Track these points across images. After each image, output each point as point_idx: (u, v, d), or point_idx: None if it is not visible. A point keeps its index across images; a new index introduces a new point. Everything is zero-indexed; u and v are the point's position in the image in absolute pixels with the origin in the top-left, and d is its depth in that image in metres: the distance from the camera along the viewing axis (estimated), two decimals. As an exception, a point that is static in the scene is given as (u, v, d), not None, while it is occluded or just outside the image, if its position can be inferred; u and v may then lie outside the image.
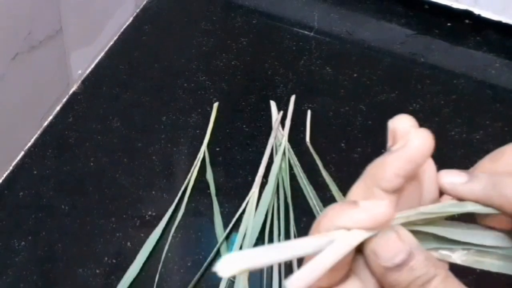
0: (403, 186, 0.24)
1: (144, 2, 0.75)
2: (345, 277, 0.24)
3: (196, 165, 0.58)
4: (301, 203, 0.55)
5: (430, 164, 0.25)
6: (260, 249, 0.23)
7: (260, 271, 0.51)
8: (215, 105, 0.63)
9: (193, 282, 0.50)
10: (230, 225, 0.53)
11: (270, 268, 0.51)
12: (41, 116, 0.60)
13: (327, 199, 0.55)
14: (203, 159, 0.59)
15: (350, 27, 0.74)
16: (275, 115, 0.62)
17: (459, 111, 0.65)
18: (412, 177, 0.24)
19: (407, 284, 0.22)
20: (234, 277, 0.50)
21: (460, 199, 0.25)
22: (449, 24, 0.75)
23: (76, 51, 0.63)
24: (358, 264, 0.24)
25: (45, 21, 0.56)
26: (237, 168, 0.58)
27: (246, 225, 0.53)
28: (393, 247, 0.22)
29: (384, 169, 0.23)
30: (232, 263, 0.23)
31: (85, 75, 0.66)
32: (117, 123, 0.62)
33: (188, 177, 0.57)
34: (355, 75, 0.68)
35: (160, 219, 0.54)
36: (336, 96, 0.65)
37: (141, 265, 0.51)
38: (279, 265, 0.51)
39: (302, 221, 0.54)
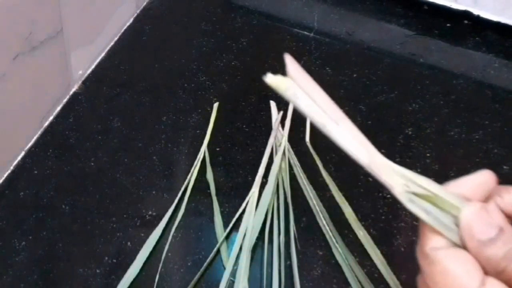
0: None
1: (145, 3, 0.76)
2: None
3: (196, 165, 0.58)
4: (301, 203, 0.55)
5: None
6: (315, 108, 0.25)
7: (260, 271, 0.51)
8: (215, 105, 0.64)
9: (193, 282, 0.50)
10: (230, 225, 0.54)
11: (270, 269, 0.51)
12: (41, 116, 0.61)
13: (327, 199, 0.55)
14: (203, 159, 0.59)
15: (350, 28, 0.74)
16: (275, 115, 0.62)
17: (458, 111, 0.65)
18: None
19: (501, 256, 0.25)
20: (234, 277, 0.50)
21: None
22: (448, 24, 0.75)
23: (77, 51, 0.63)
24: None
25: (46, 21, 0.56)
26: (237, 168, 0.59)
27: (246, 225, 0.53)
28: (487, 222, 0.26)
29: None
30: (286, 85, 0.25)
31: (85, 75, 0.66)
32: (117, 123, 0.62)
33: (188, 177, 0.57)
34: (354, 75, 0.68)
35: (160, 219, 0.54)
36: (335, 96, 0.65)
37: (141, 265, 0.51)
38: (279, 265, 0.51)
39: (302, 221, 0.54)
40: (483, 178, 0.28)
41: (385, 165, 0.27)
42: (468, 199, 0.27)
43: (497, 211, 0.26)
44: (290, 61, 0.25)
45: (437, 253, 0.26)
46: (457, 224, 0.26)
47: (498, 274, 0.25)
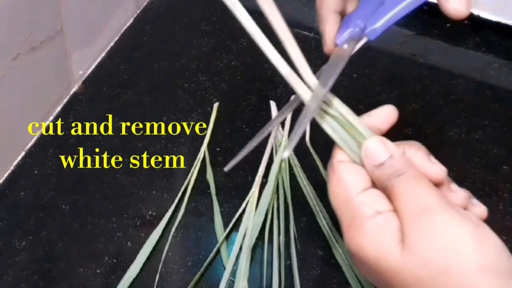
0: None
1: (145, 3, 0.76)
2: None
3: (196, 165, 0.58)
4: (301, 203, 0.56)
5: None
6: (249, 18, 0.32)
7: (260, 271, 0.51)
8: (215, 105, 0.64)
9: (193, 282, 0.50)
10: (230, 225, 0.54)
11: (270, 269, 0.51)
12: (42, 116, 0.61)
13: (327, 199, 0.55)
14: (203, 159, 0.59)
15: (350, 28, 0.74)
16: (275, 115, 0.62)
17: (458, 111, 0.65)
18: None
19: (387, 177, 0.32)
20: (234, 277, 0.50)
21: None
22: (448, 24, 0.75)
23: (77, 51, 0.63)
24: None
25: (46, 22, 0.56)
26: (237, 168, 0.58)
27: (246, 225, 0.53)
28: (382, 151, 0.33)
29: None
30: None
31: (86, 75, 0.66)
32: (117, 123, 0.62)
33: (188, 177, 0.57)
34: (354, 75, 0.68)
35: (161, 219, 0.54)
36: (335, 96, 0.65)
37: (141, 265, 0.51)
38: (279, 265, 0.51)
39: (302, 221, 0.55)
40: (387, 111, 0.38)
41: (311, 82, 0.35)
42: (375, 130, 0.34)
43: (394, 145, 0.34)
44: None
45: (339, 164, 0.34)
46: (360, 148, 0.33)
47: (383, 190, 0.32)
